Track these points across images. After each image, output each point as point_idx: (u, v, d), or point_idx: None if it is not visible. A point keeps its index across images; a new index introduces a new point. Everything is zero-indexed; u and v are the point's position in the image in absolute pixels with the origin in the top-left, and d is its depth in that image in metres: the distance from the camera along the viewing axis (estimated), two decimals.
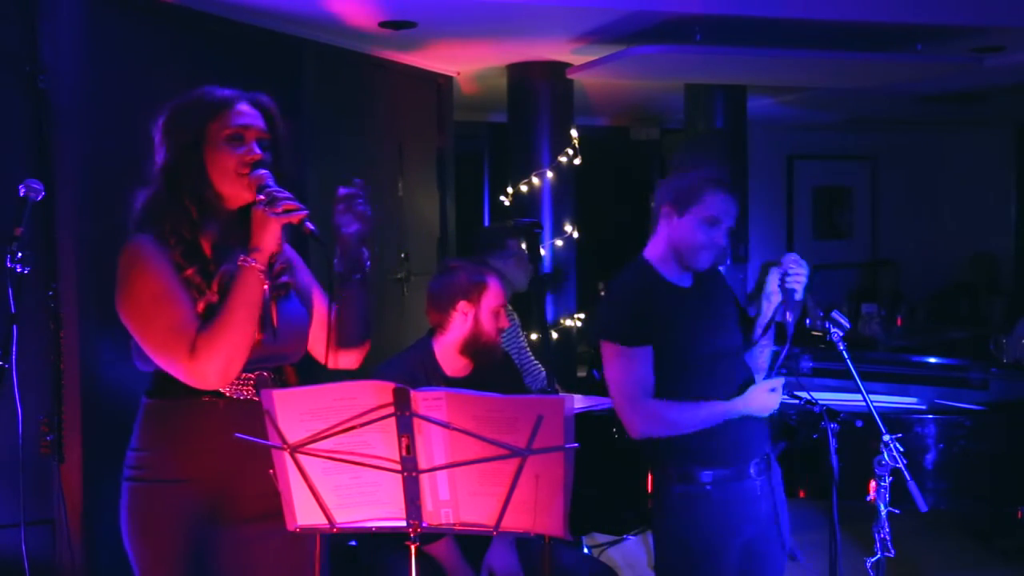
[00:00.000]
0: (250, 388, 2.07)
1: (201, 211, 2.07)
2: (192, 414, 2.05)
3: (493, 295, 3.00)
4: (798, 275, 2.57)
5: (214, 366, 1.97)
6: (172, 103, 2.11)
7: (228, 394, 2.07)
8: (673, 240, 2.64)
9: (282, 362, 2.15)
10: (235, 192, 2.07)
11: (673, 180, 2.67)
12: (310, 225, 1.99)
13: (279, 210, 1.97)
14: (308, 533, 1.96)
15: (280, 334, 2.10)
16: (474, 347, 2.98)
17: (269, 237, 2.02)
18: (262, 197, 2.00)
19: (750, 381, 2.65)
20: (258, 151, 2.07)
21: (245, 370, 2.05)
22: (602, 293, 2.88)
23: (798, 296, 2.56)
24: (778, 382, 2.58)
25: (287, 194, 2.00)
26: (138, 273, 2.02)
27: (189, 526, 2.04)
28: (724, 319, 2.70)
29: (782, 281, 2.58)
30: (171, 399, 2.05)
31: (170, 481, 2.04)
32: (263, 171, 2.03)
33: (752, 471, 2.61)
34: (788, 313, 2.55)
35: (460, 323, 2.98)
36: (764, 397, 2.57)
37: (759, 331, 2.69)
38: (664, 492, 2.63)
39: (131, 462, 2.08)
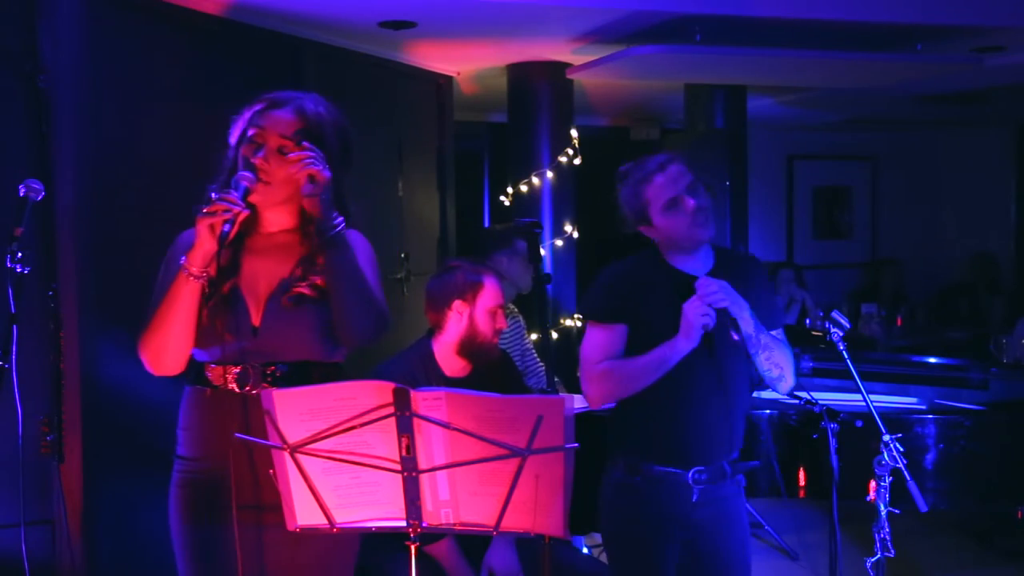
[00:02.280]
0: (232, 380, 2.09)
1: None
2: (191, 398, 2.16)
3: (489, 295, 2.99)
4: (714, 296, 2.44)
5: (145, 356, 2.09)
6: None
7: (214, 383, 2.10)
8: (663, 238, 2.60)
9: (277, 360, 2.10)
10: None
11: (622, 201, 2.62)
12: (226, 227, 1.98)
13: (204, 209, 1.99)
14: (308, 533, 1.96)
15: (264, 333, 2.09)
16: (470, 347, 2.97)
17: (199, 237, 2.01)
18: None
19: (745, 375, 2.57)
20: (260, 155, 2.09)
21: (234, 363, 2.08)
22: None
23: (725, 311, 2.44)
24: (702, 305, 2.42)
25: (232, 195, 2.00)
26: None
27: (191, 500, 2.14)
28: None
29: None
30: (188, 383, 2.17)
31: (177, 456, 2.18)
32: (243, 172, 2.05)
33: (691, 476, 2.52)
34: (732, 332, 2.47)
35: (456, 323, 2.96)
36: (692, 309, 2.42)
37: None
38: (606, 480, 2.65)
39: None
